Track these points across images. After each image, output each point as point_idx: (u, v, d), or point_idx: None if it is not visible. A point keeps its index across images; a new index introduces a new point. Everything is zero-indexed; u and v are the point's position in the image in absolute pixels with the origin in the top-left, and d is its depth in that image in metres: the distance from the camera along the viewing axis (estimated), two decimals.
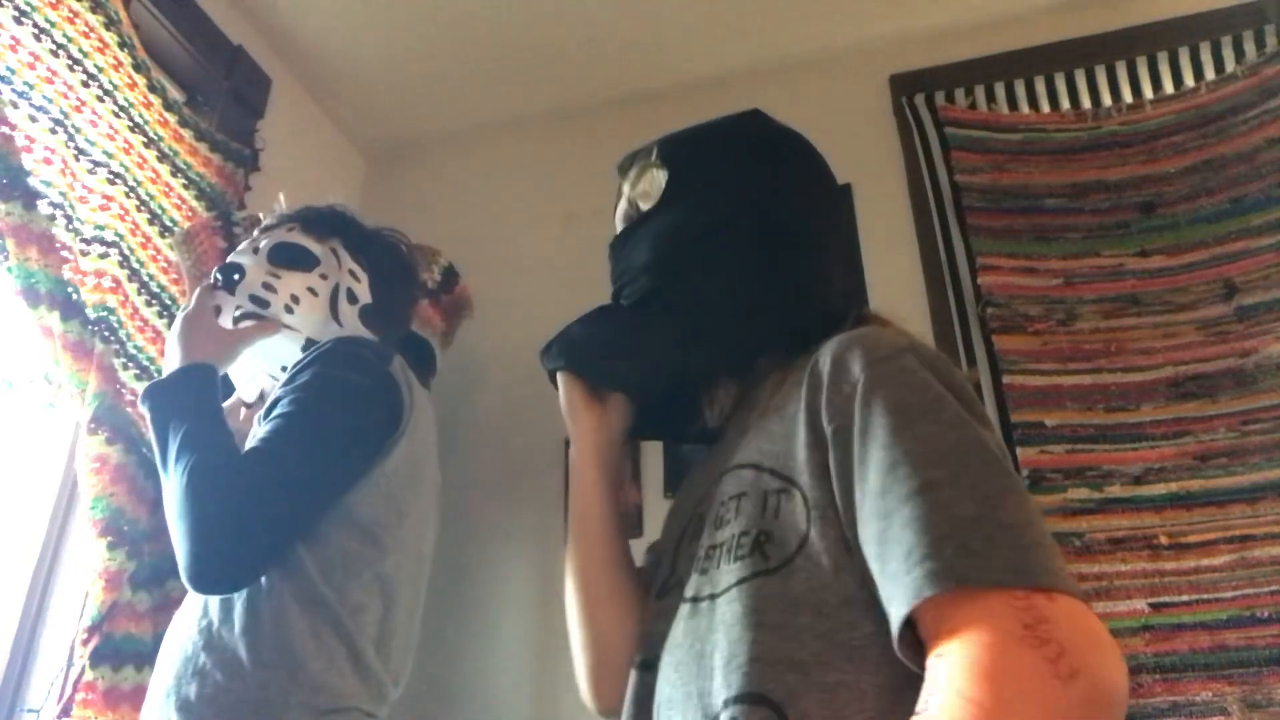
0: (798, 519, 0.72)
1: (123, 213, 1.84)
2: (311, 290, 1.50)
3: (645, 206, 1.01)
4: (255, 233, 1.60)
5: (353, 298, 1.55)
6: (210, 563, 1.14)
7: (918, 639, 0.62)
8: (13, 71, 1.65)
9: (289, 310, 1.48)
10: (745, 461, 0.80)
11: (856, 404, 0.71)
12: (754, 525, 0.74)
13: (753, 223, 0.94)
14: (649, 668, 0.81)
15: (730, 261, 0.93)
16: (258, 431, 1.29)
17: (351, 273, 1.56)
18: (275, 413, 1.27)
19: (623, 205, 1.06)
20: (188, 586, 1.18)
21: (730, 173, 0.97)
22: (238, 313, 1.47)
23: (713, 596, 0.75)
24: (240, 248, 1.57)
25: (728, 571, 0.74)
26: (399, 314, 1.65)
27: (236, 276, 1.49)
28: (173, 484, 1.20)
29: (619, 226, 1.06)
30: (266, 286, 1.48)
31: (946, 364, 0.75)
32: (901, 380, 0.71)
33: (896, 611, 0.62)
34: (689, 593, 0.79)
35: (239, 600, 1.20)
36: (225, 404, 1.39)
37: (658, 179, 1.00)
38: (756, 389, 0.88)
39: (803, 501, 0.72)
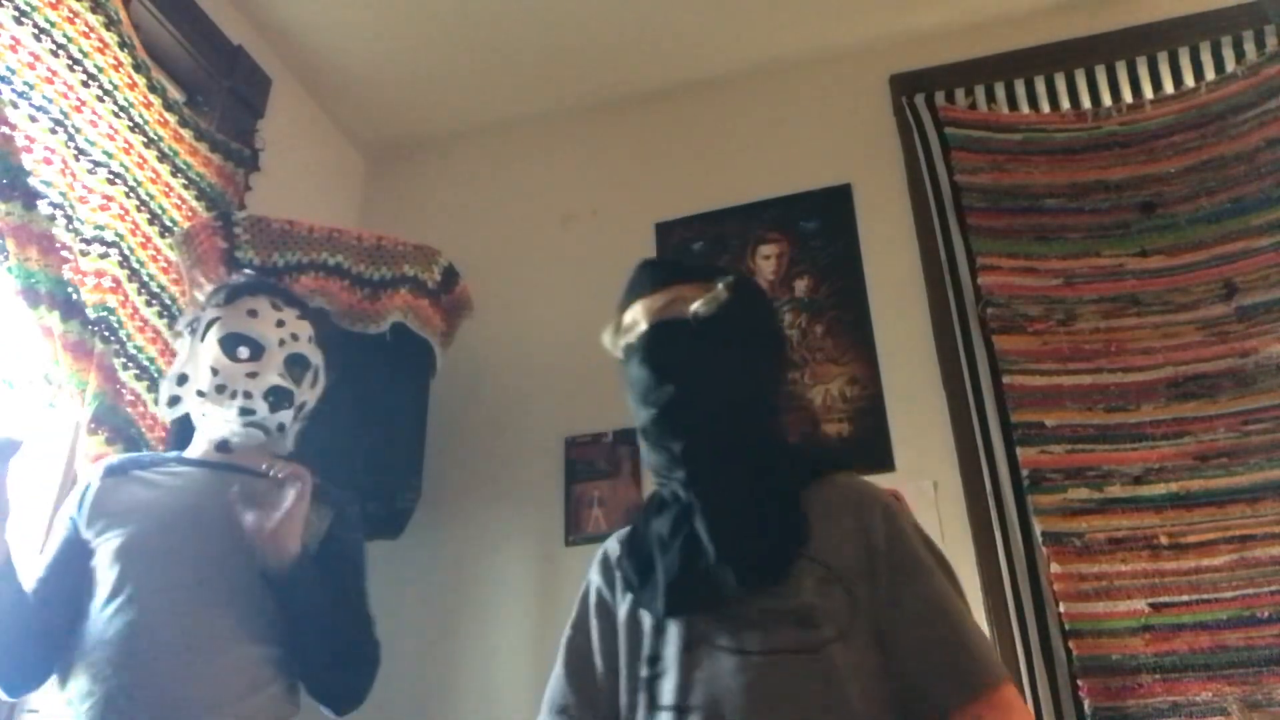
0: (843, 610, 0.97)
1: (123, 213, 1.84)
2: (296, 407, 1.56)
3: (701, 310, 1.12)
4: (271, 309, 1.57)
5: (304, 416, 1.59)
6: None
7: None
8: (13, 71, 1.65)
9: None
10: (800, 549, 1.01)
11: (899, 542, 1.02)
12: (807, 605, 0.96)
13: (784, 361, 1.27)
14: (684, 713, 0.97)
15: (778, 397, 1.22)
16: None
17: (316, 397, 1.60)
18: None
19: (675, 306, 1.14)
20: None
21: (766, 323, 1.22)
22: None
23: (760, 653, 0.96)
24: (286, 348, 1.55)
25: (784, 637, 0.95)
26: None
27: (286, 405, 1.51)
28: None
29: (650, 319, 1.15)
30: (291, 419, 1.55)
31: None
32: (920, 534, 1.05)
33: (944, 701, 0.95)
34: (730, 644, 0.98)
35: None
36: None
37: (720, 298, 1.13)
38: None
39: (849, 597, 0.97)
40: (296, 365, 1.54)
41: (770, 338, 1.19)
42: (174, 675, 1.26)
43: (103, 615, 1.31)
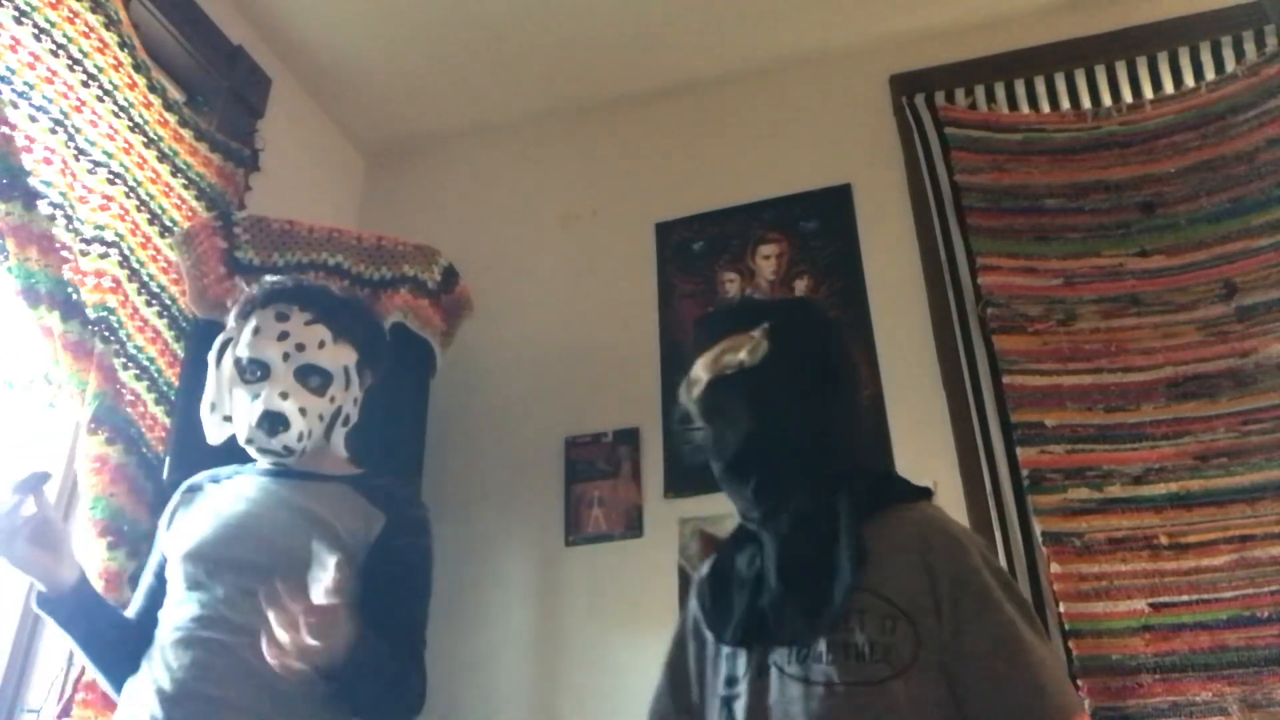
0: (906, 645, 0.99)
1: (123, 213, 1.84)
2: (320, 417, 1.46)
3: (746, 360, 1.16)
4: (273, 317, 1.47)
5: (346, 420, 1.52)
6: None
7: None
8: (13, 71, 1.65)
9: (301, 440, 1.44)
10: (861, 585, 1.04)
11: (964, 574, 1.02)
12: (868, 640, 0.99)
13: (846, 386, 1.21)
14: None
15: (845, 423, 1.19)
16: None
17: (355, 399, 1.52)
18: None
19: (725, 358, 1.19)
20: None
21: (821, 345, 1.22)
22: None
23: (824, 684, 0.99)
24: (266, 352, 1.45)
25: (846, 670, 0.99)
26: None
27: (281, 429, 1.42)
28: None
29: (708, 374, 1.19)
30: (300, 437, 1.43)
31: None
32: (989, 565, 1.05)
33: None
34: (796, 672, 1.02)
35: None
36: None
37: (762, 346, 1.16)
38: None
39: (912, 631, 1.00)
40: (313, 375, 1.45)
41: (824, 366, 1.19)
42: (214, 679, 1.26)
43: (162, 617, 1.34)
